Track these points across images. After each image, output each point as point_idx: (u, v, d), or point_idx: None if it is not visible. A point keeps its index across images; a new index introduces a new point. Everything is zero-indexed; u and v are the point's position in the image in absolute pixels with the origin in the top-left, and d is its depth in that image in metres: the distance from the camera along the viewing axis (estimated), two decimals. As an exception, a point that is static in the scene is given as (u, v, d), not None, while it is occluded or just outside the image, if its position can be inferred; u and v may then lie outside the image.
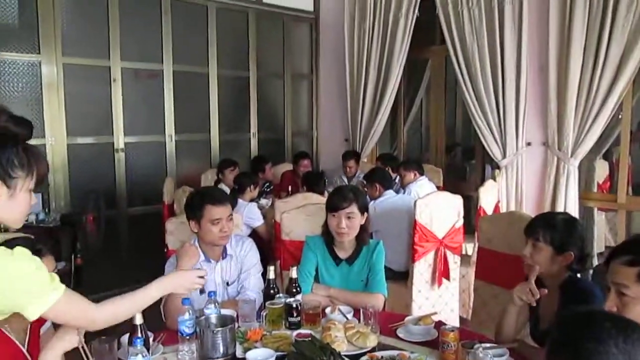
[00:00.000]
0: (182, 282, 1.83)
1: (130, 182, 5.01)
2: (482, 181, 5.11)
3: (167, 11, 5.19)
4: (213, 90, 5.61)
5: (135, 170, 5.05)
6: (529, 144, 4.66)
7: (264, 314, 2.17)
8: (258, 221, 3.98)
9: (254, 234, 3.92)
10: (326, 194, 4.00)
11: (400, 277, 3.55)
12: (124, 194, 4.98)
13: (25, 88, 4.47)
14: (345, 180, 5.25)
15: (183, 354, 1.93)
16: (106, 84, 4.88)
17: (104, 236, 4.49)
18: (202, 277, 1.89)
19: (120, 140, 4.93)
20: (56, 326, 1.86)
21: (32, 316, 1.38)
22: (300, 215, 3.11)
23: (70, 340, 1.60)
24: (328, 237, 2.51)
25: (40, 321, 1.79)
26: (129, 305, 1.65)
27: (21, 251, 1.37)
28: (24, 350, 1.69)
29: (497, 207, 4.55)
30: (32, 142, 1.48)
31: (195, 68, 5.49)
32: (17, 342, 1.67)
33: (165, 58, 5.21)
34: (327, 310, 2.25)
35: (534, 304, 1.92)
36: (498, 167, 4.82)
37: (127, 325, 1.84)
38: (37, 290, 1.37)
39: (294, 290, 2.23)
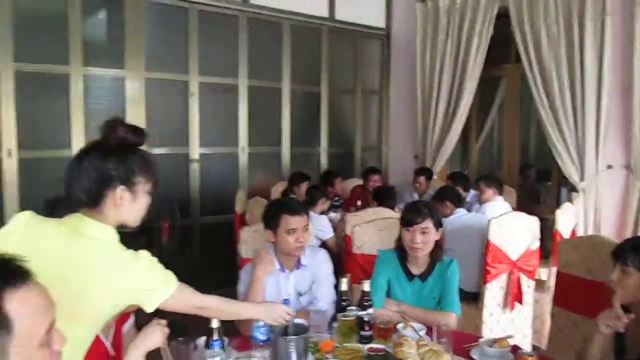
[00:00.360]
0: (273, 313, 1.91)
1: (203, 191, 5.17)
2: (558, 204, 4.90)
3: (244, 28, 5.37)
4: (285, 104, 5.73)
5: (208, 181, 5.21)
6: (609, 166, 4.44)
7: (336, 325, 2.17)
8: (328, 234, 4.01)
9: (323, 247, 3.94)
10: (397, 209, 3.97)
11: (471, 297, 3.46)
12: (197, 203, 5.14)
13: (111, 101, 4.71)
14: (416, 196, 5.20)
15: (256, 360, 1.97)
16: (184, 98, 5.08)
17: (178, 243, 4.64)
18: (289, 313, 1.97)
19: (195, 151, 5.11)
20: (138, 325, 1.95)
21: (150, 309, 1.53)
22: (371, 229, 3.10)
23: (154, 340, 1.67)
24: (401, 252, 2.49)
25: (124, 318, 1.89)
26: (228, 308, 1.79)
27: (145, 254, 1.53)
28: (108, 345, 1.77)
29: (573, 232, 4.36)
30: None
31: (269, 83, 5.62)
32: (102, 337, 1.76)
33: (241, 73, 5.37)
34: (399, 326, 2.22)
35: (622, 330, 1.82)
36: (574, 190, 4.61)
37: (203, 328, 1.91)
38: (157, 286, 1.53)
39: (366, 303, 2.22)
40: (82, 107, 4.48)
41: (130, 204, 1.53)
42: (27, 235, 1.46)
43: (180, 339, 1.86)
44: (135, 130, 1.55)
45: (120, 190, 1.51)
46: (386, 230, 3.03)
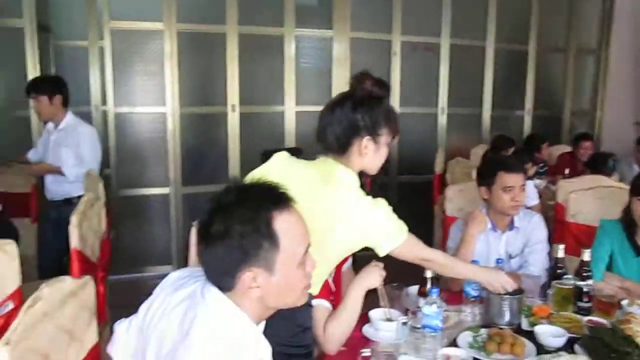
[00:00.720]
0: (494, 280, 1.85)
1: (401, 150, 5.22)
2: None
3: (448, -16, 5.21)
4: (488, 64, 5.46)
5: (406, 140, 5.22)
6: None
7: (550, 292, 2.06)
8: (533, 200, 3.78)
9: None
10: (614, 179, 3.60)
11: None
12: (395, 161, 5.21)
13: (318, 61, 4.95)
14: (636, 168, 4.62)
15: (465, 315, 1.97)
16: (386, 57, 5.12)
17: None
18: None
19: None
20: (356, 267, 2.07)
21: (382, 253, 1.63)
22: (588, 197, 2.86)
23: (373, 281, 1.76)
24: (628, 223, 2.25)
25: (344, 259, 2.02)
26: (451, 264, 1.82)
27: (383, 201, 1.62)
28: (330, 281, 1.92)
29: None
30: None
31: (472, 42, 5.40)
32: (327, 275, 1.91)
33: (444, 32, 5.25)
34: (624, 302, 2.03)
35: None
36: None
37: (411, 276, 1.97)
38: (392, 233, 1.62)
39: (585, 274, 2.07)
40: (294, 67, 4.79)
41: (373, 154, 1.63)
42: (283, 173, 1.62)
43: (394, 284, 1.95)
44: (381, 83, 1.64)
45: (366, 140, 1.61)
46: (606, 199, 2.78)
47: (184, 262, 4.46)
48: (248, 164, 4.61)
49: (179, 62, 4.44)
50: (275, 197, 1.12)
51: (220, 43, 4.57)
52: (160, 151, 4.52)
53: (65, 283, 1.28)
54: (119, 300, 2.86)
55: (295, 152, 2.03)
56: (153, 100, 4.48)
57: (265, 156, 4.08)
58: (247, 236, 1.06)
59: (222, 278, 1.10)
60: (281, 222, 1.10)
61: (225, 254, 1.07)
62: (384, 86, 1.67)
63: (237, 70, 4.60)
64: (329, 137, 1.63)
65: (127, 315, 1.37)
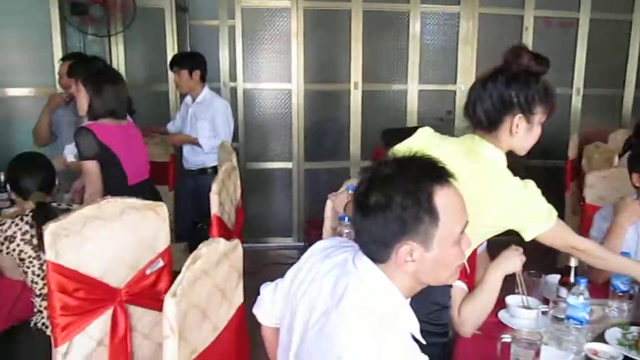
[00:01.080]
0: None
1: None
2: None
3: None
4: (635, 40, 4.94)
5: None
6: None
7: None
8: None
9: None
10: None
11: None
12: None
13: (443, 38, 4.78)
14: None
15: (611, 310, 1.84)
16: (517, 34, 4.82)
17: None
18: None
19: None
20: (490, 252, 2.00)
21: (528, 237, 1.56)
22: None
23: (512, 266, 1.69)
24: None
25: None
26: (605, 256, 1.69)
27: (532, 183, 1.55)
28: (466, 264, 1.86)
29: None
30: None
31: (617, 15, 4.93)
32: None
33: (583, 5, 4.82)
34: None
35: None
36: None
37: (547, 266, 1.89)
38: (540, 216, 1.54)
39: None
40: (418, 44, 4.68)
41: (524, 133, 1.55)
42: (428, 148, 1.59)
43: (532, 271, 1.86)
44: (539, 58, 1.54)
45: (518, 118, 1.53)
46: None
47: (303, 235, 4.62)
48: (369, 142, 4.63)
49: (304, 39, 4.53)
50: (436, 172, 1.10)
51: (344, 20, 4.59)
52: (284, 126, 4.67)
53: (220, 244, 1.36)
54: (245, 267, 3.00)
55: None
56: (279, 77, 4.62)
57: (386, 135, 4.07)
58: (408, 208, 1.04)
59: (378, 249, 1.10)
60: (442, 198, 1.07)
61: (383, 225, 1.06)
62: (543, 61, 1.55)
63: (361, 47, 4.59)
64: (478, 113, 1.56)
65: (256, 282, 1.42)
